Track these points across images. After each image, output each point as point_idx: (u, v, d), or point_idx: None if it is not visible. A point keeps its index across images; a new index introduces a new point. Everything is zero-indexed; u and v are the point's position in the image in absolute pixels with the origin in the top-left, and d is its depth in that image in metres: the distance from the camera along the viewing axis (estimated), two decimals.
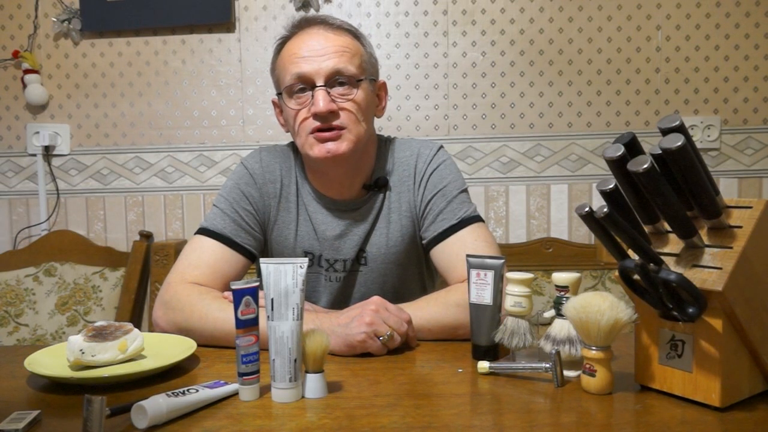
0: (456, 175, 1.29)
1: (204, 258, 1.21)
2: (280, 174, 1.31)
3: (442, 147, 1.33)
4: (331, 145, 1.19)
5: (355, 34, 1.26)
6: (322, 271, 1.31)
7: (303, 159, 1.31)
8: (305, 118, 1.20)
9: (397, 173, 1.30)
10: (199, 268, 1.20)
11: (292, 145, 1.35)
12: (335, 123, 1.19)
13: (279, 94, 1.25)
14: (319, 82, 1.18)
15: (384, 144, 1.33)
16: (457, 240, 1.23)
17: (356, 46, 1.24)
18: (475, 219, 1.26)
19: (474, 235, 1.23)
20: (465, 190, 1.29)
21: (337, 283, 1.31)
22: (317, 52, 1.19)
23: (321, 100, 1.17)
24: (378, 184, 1.29)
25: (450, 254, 1.23)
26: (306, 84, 1.19)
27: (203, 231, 1.25)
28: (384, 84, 1.32)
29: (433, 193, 1.27)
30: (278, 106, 1.30)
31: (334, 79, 1.19)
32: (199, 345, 1.04)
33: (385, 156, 1.32)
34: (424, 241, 1.29)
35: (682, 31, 2.11)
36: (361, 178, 1.29)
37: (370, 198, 1.30)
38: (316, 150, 1.20)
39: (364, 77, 1.22)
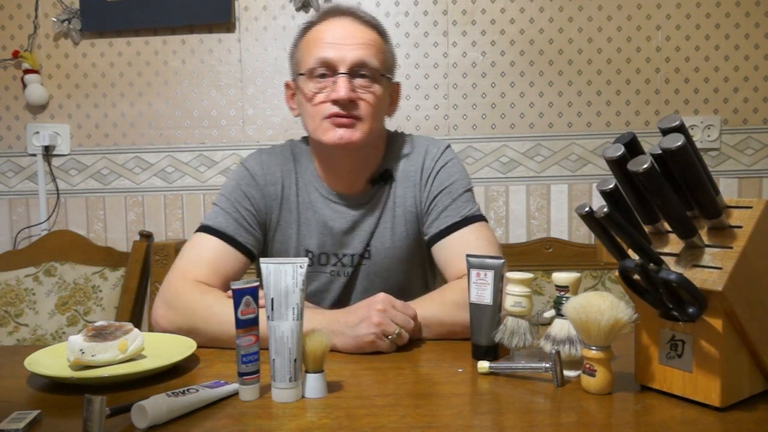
0: (462, 174, 1.30)
1: (205, 255, 1.21)
2: (281, 176, 1.31)
3: (449, 146, 1.34)
4: (344, 132, 1.19)
5: (381, 31, 1.27)
6: (329, 266, 1.31)
7: (312, 147, 1.31)
8: (322, 102, 1.20)
9: (403, 168, 1.31)
10: (199, 266, 1.20)
11: (292, 145, 1.36)
12: (353, 112, 1.20)
13: (300, 74, 1.24)
14: (342, 69, 1.19)
15: (392, 139, 1.34)
16: (459, 237, 1.24)
17: (381, 43, 1.25)
18: (479, 218, 1.26)
19: (476, 233, 1.24)
20: (470, 190, 1.30)
21: (344, 278, 1.31)
22: (344, 41, 1.20)
23: (343, 87, 1.17)
24: (383, 177, 1.29)
25: (451, 251, 1.23)
26: (328, 69, 1.20)
27: (205, 228, 1.24)
28: (398, 85, 1.33)
29: (439, 190, 1.28)
30: (291, 89, 1.31)
31: (356, 70, 1.20)
32: (201, 346, 1.04)
33: (392, 150, 1.32)
34: (426, 237, 1.29)
35: (682, 31, 2.11)
36: (368, 172, 1.30)
37: (376, 192, 1.30)
38: (330, 135, 1.20)
39: (385, 73, 1.24)
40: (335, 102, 1.19)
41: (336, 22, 1.23)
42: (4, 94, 2.27)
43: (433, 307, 1.12)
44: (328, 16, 1.25)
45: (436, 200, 1.27)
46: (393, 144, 1.33)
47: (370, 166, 1.30)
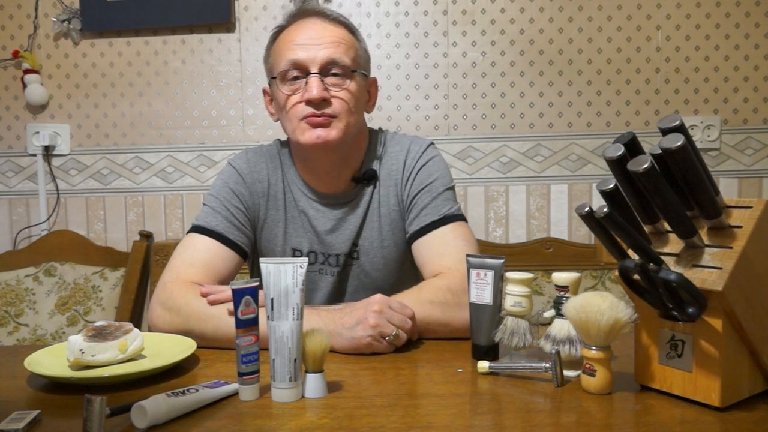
0: (444, 172, 1.30)
1: (198, 255, 1.21)
2: (267, 173, 1.31)
3: (432, 144, 1.34)
4: (321, 132, 1.20)
5: (350, 28, 1.27)
6: (317, 265, 1.31)
7: (291, 149, 1.32)
8: (297, 104, 1.21)
9: (386, 167, 1.31)
10: (193, 266, 1.20)
11: (278, 145, 1.36)
12: (327, 111, 1.20)
13: (273, 78, 1.25)
14: (314, 69, 1.19)
15: (375, 137, 1.34)
16: (437, 235, 1.24)
17: (351, 39, 1.26)
18: (459, 217, 1.26)
19: (455, 232, 1.24)
20: (451, 188, 1.30)
21: (331, 277, 1.32)
22: (313, 41, 1.20)
23: (315, 87, 1.18)
24: (366, 177, 1.29)
25: (429, 248, 1.23)
26: (300, 71, 1.20)
27: (197, 229, 1.25)
28: (374, 81, 1.33)
29: (419, 188, 1.28)
30: (268, 95, 1.31)
31: (327, 69, 1.20)
32: (199, 346, 1.04)
33: (375, 149, 1.32)
34: (407, 235, 1.29)
35: (682, 31, 2.11)
36: (350, 171, 1.30)
37: (359, 191, 1.30)
38: (307, 136, 1.20)
39: (357, 69, 1.24)
40: (309, 102, 1.19)
41: (305, 24, 1.24)
42: (4, 94, 2.27)
43: (411, 306, 1.08)
44: (296, 18, 1.26)
45: (417, 198, 1.27)
46: (375, 142, 1.33)
47: (352, 165, 1.30)
